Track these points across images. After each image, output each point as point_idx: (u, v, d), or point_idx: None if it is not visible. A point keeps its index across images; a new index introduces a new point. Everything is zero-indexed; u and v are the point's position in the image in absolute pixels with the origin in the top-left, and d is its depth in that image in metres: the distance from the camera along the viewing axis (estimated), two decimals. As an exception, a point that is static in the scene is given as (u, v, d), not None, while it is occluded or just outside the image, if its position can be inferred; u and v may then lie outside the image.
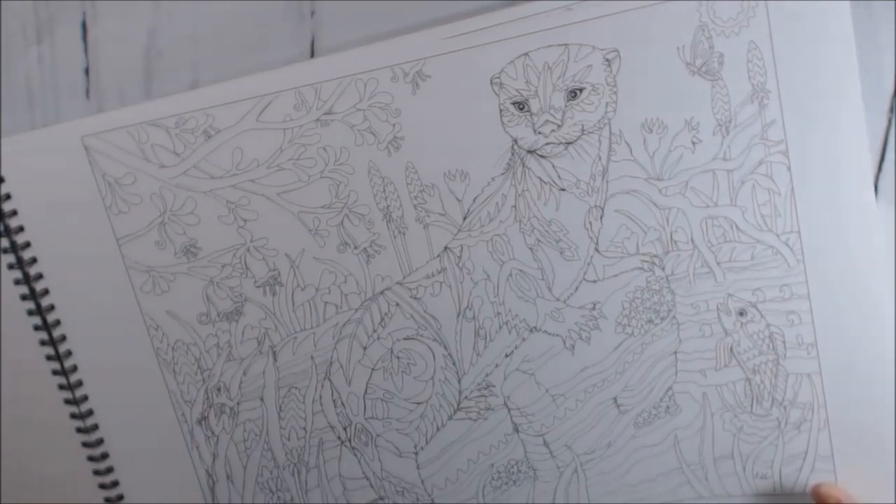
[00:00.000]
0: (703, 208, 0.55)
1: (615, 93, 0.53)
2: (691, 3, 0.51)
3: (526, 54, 0.52)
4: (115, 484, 0.57)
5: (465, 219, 0.54)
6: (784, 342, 0.56)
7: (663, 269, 0.56)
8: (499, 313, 0.55)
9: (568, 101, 0.53)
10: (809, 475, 0.58)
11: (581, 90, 0.52)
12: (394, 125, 0.52)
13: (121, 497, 0.57)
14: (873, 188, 0.53)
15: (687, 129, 0.53)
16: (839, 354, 0.56)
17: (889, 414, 0.56)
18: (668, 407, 0.58)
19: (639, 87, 0.53)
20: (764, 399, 0.58)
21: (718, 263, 0.56)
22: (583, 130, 0.53)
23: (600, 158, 0.54)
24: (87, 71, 0.56)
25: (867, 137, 0.52)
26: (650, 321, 0.57)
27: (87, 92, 0.56)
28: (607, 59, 0.52)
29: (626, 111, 0.53)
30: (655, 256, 0.56)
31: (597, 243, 0.55)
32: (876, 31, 0.57)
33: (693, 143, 0.53)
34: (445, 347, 0.56)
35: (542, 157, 0.53)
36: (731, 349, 0.57)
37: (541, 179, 0.54)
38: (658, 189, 0.54)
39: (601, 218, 0.55)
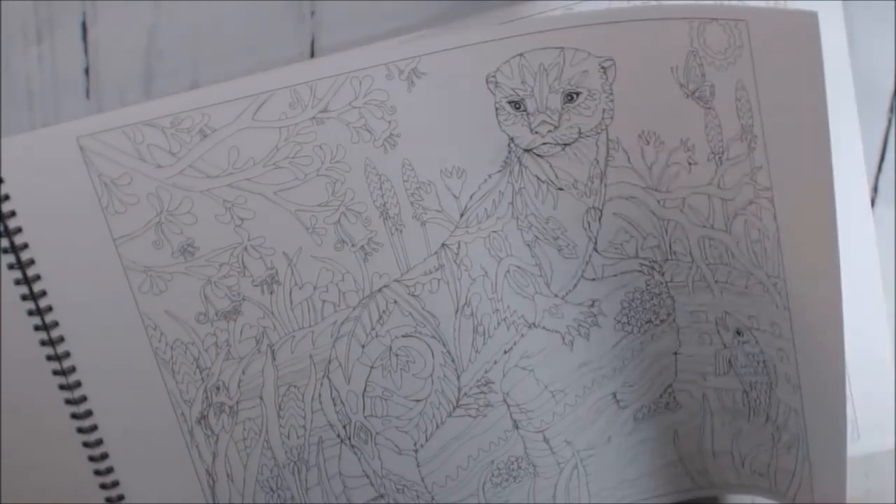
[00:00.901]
0: (701, 227, 0.54)
1: (611, 100, 0.52)
2: (682, 27, 0.50)
3: (521, 55, 0.52)
4: (115, 484, 0.57)
5: (462, 216, 0.54)
6: (775, 372, 0.56)
7: (662, 274, 0.56)
8: (497, 310, 0.55)
9: (564, 103, 0.53)
10: (797, 492, 0.58)
11: (577, 94, 0.52)
12: (389, 122, 0.52)
13: (121, 497, 0.57)
14: (839, 258, 0.51)
15: (683, 149, 0.53)
16: (823, 397, 0.54)
17: (884, 424, 0.56)
18: (667, 403, 0.58)
19: (635, 99, 0.52)
20: (760, 413, 0.57)
21: (716, 281, 0.55)
22: (580, 133, 0.53)
23: (598, 162, 0.54)
24: (87, 71, 0.56)
25: (868, 156, 0.51)
26: (649, 321, 0.57)
27: (87, 92, 0.56)
28: (603, 67, 0.52)
29: (622, 120, 0.53)
30: (655, 262, 0.55)
31: (595, 243, 0.55)
32: (875, 32, 0.56)
33: (689, 163, 0.53)
34: (444, 344, 0.56)
35: (539, 156, 0.53)
36: (730, 361, 0.57)
37: (538, 178, 0.54)
38: (656, 199, 0.54)
39: (599, 219, 0.55)
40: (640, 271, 0.56)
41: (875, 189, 0.60)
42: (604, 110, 0.53)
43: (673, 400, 0.58)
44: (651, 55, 0.51)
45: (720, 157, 0.52)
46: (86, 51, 0.56)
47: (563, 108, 0.53)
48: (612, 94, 0.52)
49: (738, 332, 0.56)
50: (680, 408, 0.58)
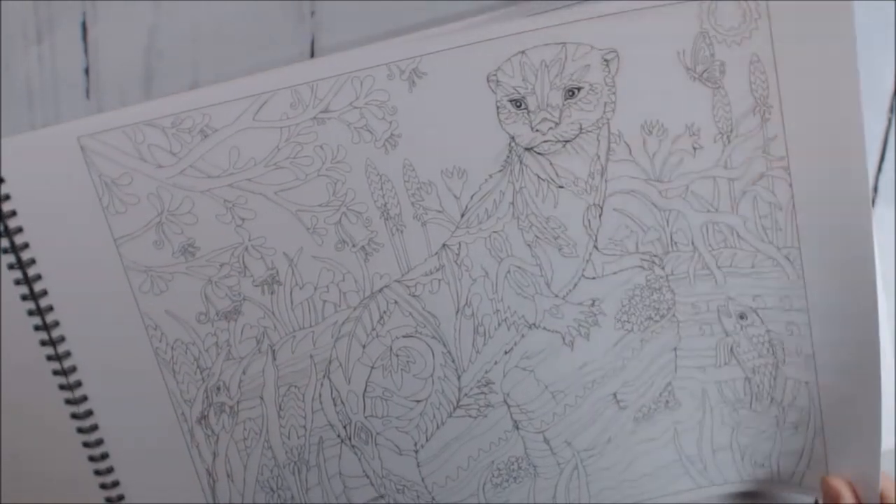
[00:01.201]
0: (704, 213, 0.54)
1: (614, 93, 0.52)
2: (692, 9, 0.51)
3: (523, 52, 0.52)
4: (115, 484, 0.57)
5: (462, 216, 0.54)
6: (783, 349, 0.56)
7: (663, 268, 0.56)
8: (497, 310, 0.55)
9: (565, 99, 0.52)
10: (805, 471, 0.58)
11: (579, 89, 0.52)
12: (390, 123, 0.52)
13: (122, 497, 0.57)
14: (871, 205, 0.52)
15: (687, 134, 0.53)
16: (836, 367, 0.55)
17: (884, 424, 0.56)
18: (667, 402, 0.58)
19: (638, 89, 0.52)
20: (763, 397, 0.58)
21: (719, 267, 0.55)
22: (581, 129, 0.53)
23: (599, 157, 0.54)
24: (87, 71, 0.56)
25: (868, 156, 0.52)
26: (650, 318, 0.57)
27: (87, 92, 0.56)
28: (605, 60, 0.52)
29: (625, 112, 0.53)
30: (655, 256, 0.55)
31: (596, 241, 0.55)
32: (876, 31, 0.56)
33: (694, 148, 0.53)
34: (444, 345, 0.56)
35: (539, 154, 0.53)
36: (731, 349, 0.57)
37: (538, 176, 0.54)
38: (658, 191, 0.54)
39: (600, 216, 0.55)
40: (640, 267, 0.56)
41: (875, 189, 0.60)
42: (605, 104, 0.53)
43: (672, 397, 0.58)
44: (657, 42, 0.51)
45: (728, 136, 0.52)
46: (86, 51, 0.56)
47: (564, 105, 0.53)
48: (614, 86, 0.52)
49: (742, 317, 0.56)
50: (679, 405, 0.58)
